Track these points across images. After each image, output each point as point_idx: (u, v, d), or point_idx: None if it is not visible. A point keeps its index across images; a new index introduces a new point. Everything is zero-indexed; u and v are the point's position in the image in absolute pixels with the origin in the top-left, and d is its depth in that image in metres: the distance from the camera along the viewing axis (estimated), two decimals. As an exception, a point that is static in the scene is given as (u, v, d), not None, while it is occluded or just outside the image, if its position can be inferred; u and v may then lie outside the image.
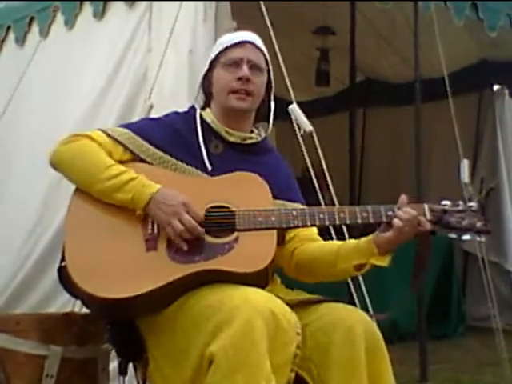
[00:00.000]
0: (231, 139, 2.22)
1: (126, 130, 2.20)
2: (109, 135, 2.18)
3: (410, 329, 4.87)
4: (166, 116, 2.30)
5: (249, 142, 2.25)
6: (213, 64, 2.24)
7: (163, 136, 2.19)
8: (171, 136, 2.20)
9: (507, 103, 6.10)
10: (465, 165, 4.20)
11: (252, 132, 2.29)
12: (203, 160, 2.17)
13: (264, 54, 2.27)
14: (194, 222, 2.00)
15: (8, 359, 2.36)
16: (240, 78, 2.19)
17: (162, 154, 2.17)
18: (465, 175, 4.17)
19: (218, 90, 2.23)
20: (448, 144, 4.91)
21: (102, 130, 2.20)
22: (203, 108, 2.29)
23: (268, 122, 2.31)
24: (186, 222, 2.00)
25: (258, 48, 2.25)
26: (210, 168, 2.16)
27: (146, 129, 2.22)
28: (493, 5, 4.44)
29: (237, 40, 2.23)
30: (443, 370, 4.43)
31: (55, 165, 2.19)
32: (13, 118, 4.05)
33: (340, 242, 2.22)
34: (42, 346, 2.38)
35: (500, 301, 4.77)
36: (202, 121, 2.24)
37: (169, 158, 2.17)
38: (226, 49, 2.22)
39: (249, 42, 2.23)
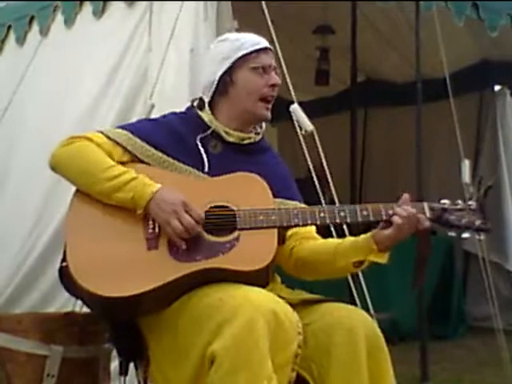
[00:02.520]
0: (230, 139, 2.23)
1: (124, 132, 2.20)
2: (108, 137, 2.18)
3: (410, 329, 4.87)
4: (164, 117, 2.31)
5: (247, 141, 2.26)
6: (235, 64, 2.22)
7: (162, 136, 2.20)
8: (170, 136, 2.20)
9: (508, 103, 6.09)
10: (466, 165, 4.19)
11: (250, 132, 2.30)
12: (202, 160, 2.18)
13: None
14: (192, 221, 2.01)
15: (9, 359, 2.37)
16: (273, 85, 2.22)
17: (160, 154, 2.17)
18: (466, 176, 4.17)
19: (245, 92, 2.22)
20: (449, 144, 4.92)
21: (100, 132, 2.21)
22: (200, 108, 2.28)
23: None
24: (184, 221, 2.00)
25: (273, 54, 2.30)
26: (208, 168, 2.17)
27: (145, 130, 2.22)
28: (493, 5, 4.43)
29: (262, 45, 2.25)
30: (444, 370, 4.43)
31: (55, 167, 2.20)
32: (14, 116, 4.05)
33: (338, 240, 2.22)
34: (43, 345, 2.39)
35: (501, 301, 4.77)
36: (201, 121, 2.24)
37: (168, 158, 2.17)
38: (252, 52, 2.22)
39: (270, 49, 2.28)
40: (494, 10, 4.42)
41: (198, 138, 2.20)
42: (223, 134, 2.22)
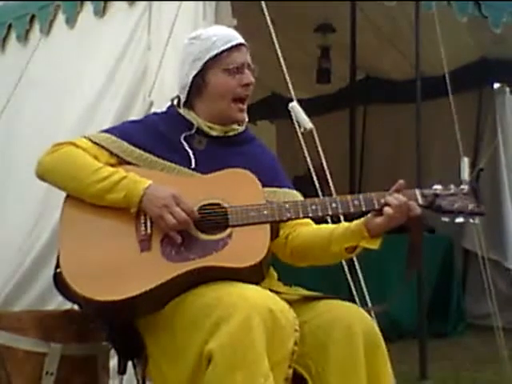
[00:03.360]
0: (214, 133, 2.24)
1: (108, 135, 2.21)
2: (92, 141, 2.19)
3: (409, 327, 4.87)
4: (147, 117, 2.34)
5: (231, 133, 2.27)
6: (207, 65, 2.20)
7: (146, 137, 2.20)
8: (154, 136, 2.21)
9: (508, 101, 6.09)
10: (465, 163, 4.18)
11: (232, 123, 2.30)
12: (188, 156, 2.18)
13: None
14: (184, 214, 2.01)
15: (8, 356, 2.37)
16: (246, 84, 2.20)
17: (147, 154, 2.18)
18: (465, 173, 4.16)
19: (218, 94, 2.21)
20: (448, 142, 4.91)
21: (84, 137, 2.22)
22: (180, 107, 2.28)
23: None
24: (176, 214, 2.01)
25: (247, 48, 2.25)
26: (195, 164, 2.17)
27: (129, 131, 2.23)
28: (495, 4, 4.43)
29: (234, 43, 2.21)
30: (443, 367, 4.43)
31: (42, 176, 2.20)
32: (14, 115, 4.05)
33: (332, 226, 2.23)
34: (42, 343, 2.39)
35: (500, 299, 4.77)
36: (183, 118, 2.24)
37: (154, 158, 2.18)
38: (223, 52, 2.20)
39: (243, 44, 2.24)
40: (496, 7, 4.43)
41: (182, 136, 2.20)
42: (206, 129, 2.23)
